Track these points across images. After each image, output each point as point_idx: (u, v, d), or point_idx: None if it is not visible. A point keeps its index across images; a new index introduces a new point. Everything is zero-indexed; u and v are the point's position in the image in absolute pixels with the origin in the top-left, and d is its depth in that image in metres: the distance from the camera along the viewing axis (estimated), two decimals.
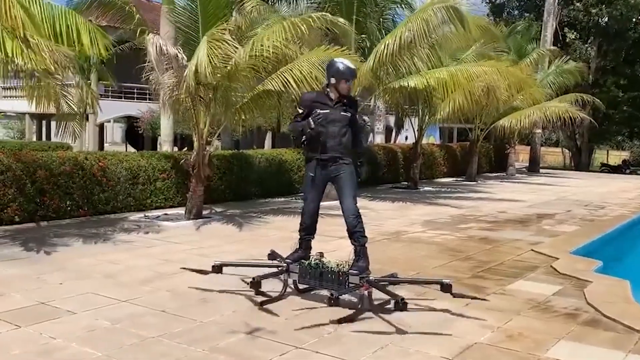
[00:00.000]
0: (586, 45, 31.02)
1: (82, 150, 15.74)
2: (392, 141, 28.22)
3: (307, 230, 5.79)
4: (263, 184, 13.39)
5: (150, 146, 26.65)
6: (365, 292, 5.13)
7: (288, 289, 5.64)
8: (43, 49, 7.25)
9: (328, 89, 5.65)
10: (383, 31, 14.70)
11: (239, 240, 8.57)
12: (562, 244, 8.73)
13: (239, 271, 6.02)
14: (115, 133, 40.99)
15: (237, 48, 9.10)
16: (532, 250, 8.25)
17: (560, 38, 29.39)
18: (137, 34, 9.59)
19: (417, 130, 17.77)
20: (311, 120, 5.46)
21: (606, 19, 30.44)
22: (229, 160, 12.62)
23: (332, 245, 7.26)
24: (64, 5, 9.06)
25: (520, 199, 15.11)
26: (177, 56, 9.28)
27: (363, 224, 5.56)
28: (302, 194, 6.41)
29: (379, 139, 25.51)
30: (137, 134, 25.81)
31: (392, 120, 29.56)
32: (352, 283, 5.21)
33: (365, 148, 5.40)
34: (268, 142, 26.77)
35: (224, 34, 8.90)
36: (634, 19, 30.49)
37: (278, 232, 9.13)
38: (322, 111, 5.48)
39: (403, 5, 15.54)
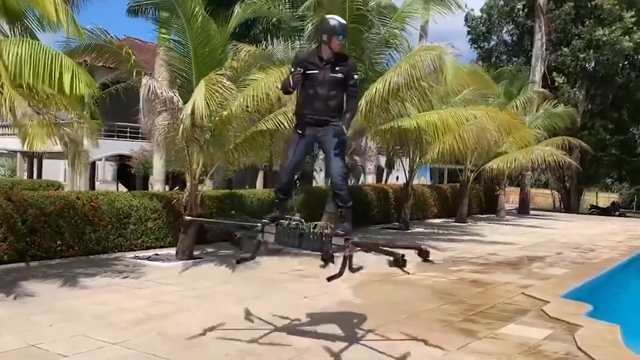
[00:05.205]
0: (574, 89, 31.54)
1: (73, 190, 15.71)
2: (383, 181, 28.32)
3: (283, 191, 5.56)
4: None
5: (141, 185, 26.60)
6: (350, 253, 5.01)
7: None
8: (6, 99, 7.22)
9: (321, 48, 5.46)
10: (371, 74, 14.92)
11: (231, 280, 8.55)
12: (552, 287, 8.77)
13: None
14: (106, 171, 40.83)
15: (233, 91, 9.23)
16: (523, 293, 8.27)
17: (549, 82, 29.88)
18: (134, 75, 9.72)
19: (408, 171, 17.92)
20: (291, 79, 5.32)
21: (593, 64, 31.05)
22: (221, 199, 12.62)
23: None
24: (56, 48, 9.11)
25: (510, 241, 15.16)
26: (173, 99, 9.39)
27: (348, 185, 5.40)
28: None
29: (370, 179, 25.64)
30: (129, 173, 25.79)
31: (383, 160, 29.72)
32: (335, 245, 5.06)
33: (348, 120, 5.27)
34: (260, 181, 26.80)
35: (222, 78, 9.01)
36: (620, 64, 31.09)
37: (270, 272, 9.10)
38: (311, 72, 5.31)
39: (395, 50, 15.79)
